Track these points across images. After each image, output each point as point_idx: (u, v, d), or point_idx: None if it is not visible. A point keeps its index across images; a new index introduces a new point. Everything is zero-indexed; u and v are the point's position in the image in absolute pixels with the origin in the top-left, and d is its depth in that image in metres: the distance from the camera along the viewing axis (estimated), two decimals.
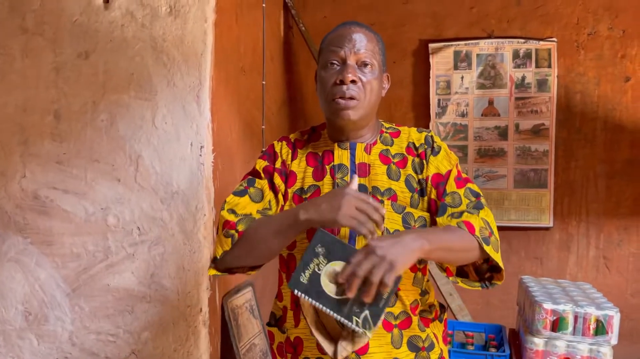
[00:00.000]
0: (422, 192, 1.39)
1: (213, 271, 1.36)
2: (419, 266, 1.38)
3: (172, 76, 2.14)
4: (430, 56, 3.41)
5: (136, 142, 2.16)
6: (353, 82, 1.32)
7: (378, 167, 1.37)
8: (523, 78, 3.30)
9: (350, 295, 1.08)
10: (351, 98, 1.32)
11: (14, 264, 2.24)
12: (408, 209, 1.35)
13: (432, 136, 1.43)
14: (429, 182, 1.37)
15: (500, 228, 3.55)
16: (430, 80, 3.42)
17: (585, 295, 2.38)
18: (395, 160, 1.39)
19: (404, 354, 1.32)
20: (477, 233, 1.26)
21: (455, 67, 3.38)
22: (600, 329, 2.13)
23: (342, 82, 1.32)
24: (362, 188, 1.35)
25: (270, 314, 1.49)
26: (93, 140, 2.18)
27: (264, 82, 2.94)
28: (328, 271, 1.11)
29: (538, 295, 2.32)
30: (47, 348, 2.21)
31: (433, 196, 1.37)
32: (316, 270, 1.12)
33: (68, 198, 2.20)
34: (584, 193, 3.27)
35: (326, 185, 1.37)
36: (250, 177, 1.44)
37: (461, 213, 1.31)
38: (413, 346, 1.33)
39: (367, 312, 1.09)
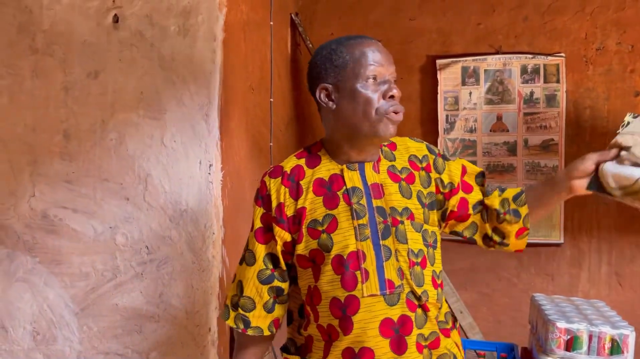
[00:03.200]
0: (431, 206, 1.40)
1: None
2: (438, 281, 1.37)
3: (181, 95, 2.14)
4: (438, 72, 3.40)
5: (145, 161, 2.16)
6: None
7: (390, 186, 1.36)
8: (531, 93, 3.29)
9: None
10: (399, 112, 1.34)
11: (22, 283, 2.23)
12: (425, 226, 1.36)
13: (430, 145, 1.49)
14: (460, 188, 1.46)
15: None
16: (438, 96, 3.41)
17: (599, 313, 2.34)
18: (404, 176, 1.39)
19: None
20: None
21: (463, 83, 3.38)
22: (616, 348, 2.09)
23: (393, 97, 1.32)
24: (380, 210, 1.33)
25: (287, 341, 1.46)
26: (102, 159, 2.18)
27: (271, 100, 2.94)
28: None
29: (551, 313, 2.28)
30: None
31: (462, 194, 1.46)
32: None
33: (77, 217, 2.19)
34: (595, 208, 3.23)
35: (342, 212, 1.32)
36: (249, 237, 1.44)
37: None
38: None
39: None
